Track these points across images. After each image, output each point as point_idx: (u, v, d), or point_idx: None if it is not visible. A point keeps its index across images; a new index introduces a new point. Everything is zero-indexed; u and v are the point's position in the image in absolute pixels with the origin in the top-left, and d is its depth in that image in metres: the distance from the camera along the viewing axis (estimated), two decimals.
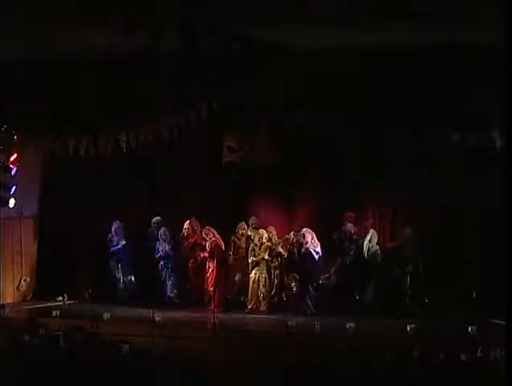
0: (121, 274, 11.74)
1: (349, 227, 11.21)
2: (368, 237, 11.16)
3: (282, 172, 11.49)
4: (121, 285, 11.71)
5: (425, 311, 10.56)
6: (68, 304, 11.49)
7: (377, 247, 11.13)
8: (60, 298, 11.75)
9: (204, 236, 11.43)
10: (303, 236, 10.96)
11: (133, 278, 11.74)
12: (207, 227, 11.42)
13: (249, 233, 11.41)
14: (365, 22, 8.79)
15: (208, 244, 11.36)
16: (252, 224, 11.50)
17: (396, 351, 7.70)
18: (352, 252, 11.12)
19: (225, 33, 9.11)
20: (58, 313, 10.31)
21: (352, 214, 11.37)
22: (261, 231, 11.32)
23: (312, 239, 10.97)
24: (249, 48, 9.29)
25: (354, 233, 11.20)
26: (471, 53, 9.39)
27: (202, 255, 11.50)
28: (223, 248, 11.40)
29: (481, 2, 7.58)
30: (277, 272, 11.42)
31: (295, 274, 11.33)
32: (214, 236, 11.37)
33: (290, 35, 9.31)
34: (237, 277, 11.45)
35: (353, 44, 9.68)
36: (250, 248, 11.24)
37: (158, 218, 11.81)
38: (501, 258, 4.88)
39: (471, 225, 10.64)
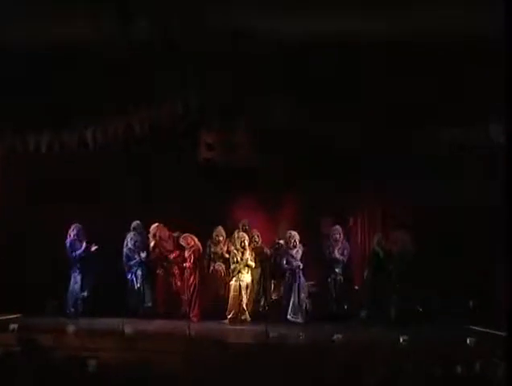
0: (84, 282, 11.04)
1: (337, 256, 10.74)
2: (375, 241, 10.79)
3: (265, 172, 11.00)
4: (84, 295, 11.02)
5: (419, 321, 10.18)
6: (28, 316, 10.65)
7: (381, 251, 10.70)
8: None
9: (184, 244, 10.89)
10: (297, 239, 10.58)
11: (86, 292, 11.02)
12: (186, 234, 10.90)
13: (235, 237, 10.92)
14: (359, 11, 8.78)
15: (188, 252, 10.86)
16: (243, 227, 11.05)
17: (387, 364, 7.00)
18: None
19: (202, 24, 9.07)
20: (16, 327, 9.50)
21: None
22: (241, 234, 10.80)
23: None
24: (230, 38, 9.22)
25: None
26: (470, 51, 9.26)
27: (187, 263, 10.91)
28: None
29: None
30: (261, 278, 10.96)
31: (275, 281, 10.91)
32: (195, 243, 10.86)
33: (276, 24, 9.19)
34: (215, 285, 10.97)
35: (343, 35, 9.42)
36: (231, 254, 10.73)
37: (137, 222, 11.12)
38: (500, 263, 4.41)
39: (470, 227, 10.21)
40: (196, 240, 10.81)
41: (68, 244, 10.96)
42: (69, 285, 10.92)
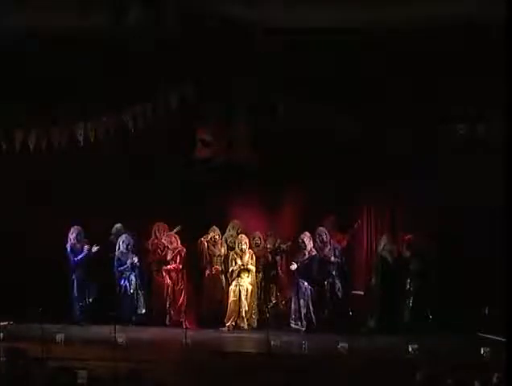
0: (82, 288, 10.69)
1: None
2: (381, 244, 10.40)
3: (265, 170, 10.61)
4: (81, 302, 10.68)
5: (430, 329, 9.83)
6: (14, 324, 10.31)
7: (389, 256, 10.34)
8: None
9: (167, 243, 10.62)
10: (303, 242, 10.18)
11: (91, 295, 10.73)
12: (169, 233, 10.65)
13: (230, 239, 10.69)
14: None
15: (172, 252, 10.58)
16: (236, 229, 10.78)
17: (395, 375, 7.20)
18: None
19: (198, 11, 8.91)
20: (1, 335, 9.27)
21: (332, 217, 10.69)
22: (241, 236, 10.52)
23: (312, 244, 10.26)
24: (226, 26, 9.09)
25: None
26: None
27: (171, 266, 10.65)
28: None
29: None
30: (261, 283, 10.66)
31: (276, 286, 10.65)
32: (178, 244, 10.60)
33: (274, 13, 8.97)
34: (213, 290, 10.66)
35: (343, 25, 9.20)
36: (230, 257, 10.46)
37: (118, 225, 10.80)
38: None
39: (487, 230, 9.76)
40: (179, 241, 10.59)
41: (68, 249, 10.67)
42: (72, 291, 10.64)
